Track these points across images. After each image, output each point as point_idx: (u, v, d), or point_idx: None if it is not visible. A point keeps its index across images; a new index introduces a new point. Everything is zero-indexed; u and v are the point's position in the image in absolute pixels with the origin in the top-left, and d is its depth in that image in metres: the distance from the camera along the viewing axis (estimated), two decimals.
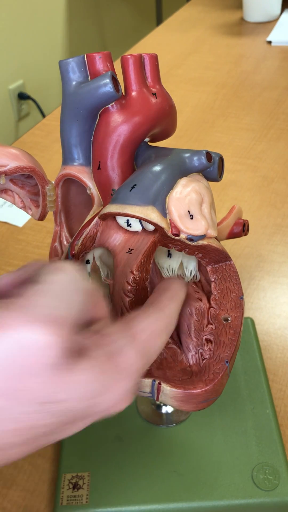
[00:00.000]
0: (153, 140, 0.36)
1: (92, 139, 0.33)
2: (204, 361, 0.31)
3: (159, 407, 0.43)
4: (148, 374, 0.30)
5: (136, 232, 0.33)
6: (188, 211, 0.31)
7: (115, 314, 0.31)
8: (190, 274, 0.35)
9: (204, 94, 0.97)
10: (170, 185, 0.31)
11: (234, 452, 0.40)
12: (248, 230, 0.39)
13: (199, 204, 0.31)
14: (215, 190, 0.71)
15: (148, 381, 0.29)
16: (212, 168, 0.33)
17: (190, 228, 0.30)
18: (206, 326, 0.33)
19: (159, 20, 2.11)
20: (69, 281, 0.24)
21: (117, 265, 0.32)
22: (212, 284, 0.34)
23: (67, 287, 0.24)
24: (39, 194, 0.33)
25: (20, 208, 0.34)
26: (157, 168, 0.31)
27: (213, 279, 0.34)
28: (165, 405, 0.43)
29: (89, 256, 0.34)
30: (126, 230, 0.33)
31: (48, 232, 0.67)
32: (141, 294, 0.31)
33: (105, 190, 0.33)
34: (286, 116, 0.88)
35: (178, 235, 0.30)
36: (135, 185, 0.31)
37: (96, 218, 0.33)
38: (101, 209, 0.32)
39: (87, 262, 0.34)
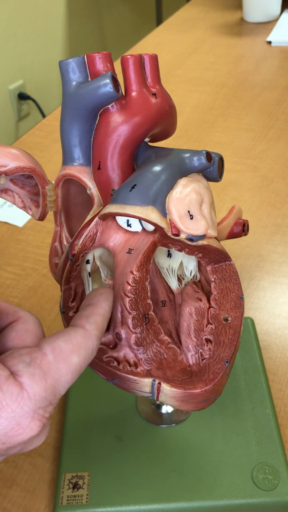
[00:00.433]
0: (153, 140, 0.36)
1: (92, 139, 0.33)
2: (204, 361, 0.31)
3: (159, 407, 0.43)
4: (148, 374, 0.30)
5: (136, 232, 0.33)
6: (188, 211, 0.31)
7: (115, 314, 0.31)
8: (190, 274, 0.35)
9: (204, 94, 0.97)
10: (170, 185, 0.31)
11: (234, 452, 0.40)
12: (248, 230, 0.39)
13: (199, 204, 0.31)
14: (215, 190, 0.71)
15: (148, 381, 0.29)
16: (212, 168, 0.33)
17: (190, 228, 0.30)
18: (206, 326, 0.33)
19: (159, 20, 2.11)
20: None
21: (117, 265, 0.32)
22: (212, 284, 0.34)
23: None
24: (39, 194, 0.33)
25: (20, 208, 0.34)
26: (157, 168, 0.31)
27: (213, 279, 0.34)
28: (165, 405, 0.43)
29: (89, 256, 0.34)
30: (126, 230, 0.33)
31: (48, 232, 0.67)
32: (141, 294, 0.31)
33: (105, 190, 0.33)
34: (286, 116, 0.88)
35: (178, 235, 0.30)
36: (135, 185, 0.31)
37: (96, 218, 0.33)
38: (101, 209, 0.32)
39: (87, 262, 0.34)
